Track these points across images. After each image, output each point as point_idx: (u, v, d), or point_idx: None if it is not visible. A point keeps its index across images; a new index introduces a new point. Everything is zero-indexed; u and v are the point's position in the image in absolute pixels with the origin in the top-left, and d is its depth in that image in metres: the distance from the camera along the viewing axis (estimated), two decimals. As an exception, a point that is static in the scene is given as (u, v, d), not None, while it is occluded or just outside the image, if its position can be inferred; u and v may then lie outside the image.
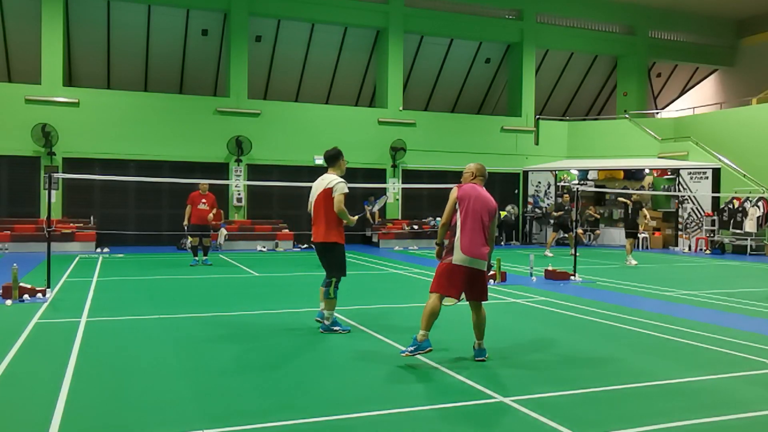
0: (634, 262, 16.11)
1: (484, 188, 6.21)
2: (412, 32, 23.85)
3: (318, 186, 7.33)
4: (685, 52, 28.33)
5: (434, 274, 6.05)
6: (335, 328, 7.27)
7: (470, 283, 5.97)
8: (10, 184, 19.21)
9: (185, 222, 14.27)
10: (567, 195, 18.80)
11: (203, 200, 14.22)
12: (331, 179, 7.24)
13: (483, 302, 6.08)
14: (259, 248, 19.50)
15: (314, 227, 7.31)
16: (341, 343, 6.91)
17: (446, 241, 6.11)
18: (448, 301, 6.11)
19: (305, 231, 14.60)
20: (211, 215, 14.28)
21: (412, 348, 5.80)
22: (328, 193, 7.16)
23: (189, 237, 14.65)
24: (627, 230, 16.65)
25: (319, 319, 7.40)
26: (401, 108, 23.37)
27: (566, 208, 18.12)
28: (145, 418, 4.38)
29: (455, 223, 5.98)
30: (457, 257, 5.86)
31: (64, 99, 19.44)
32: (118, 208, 20.14)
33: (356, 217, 7.62)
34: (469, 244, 5.85)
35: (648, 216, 17.55)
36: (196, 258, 14.60)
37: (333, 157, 7.40)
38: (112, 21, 21.48)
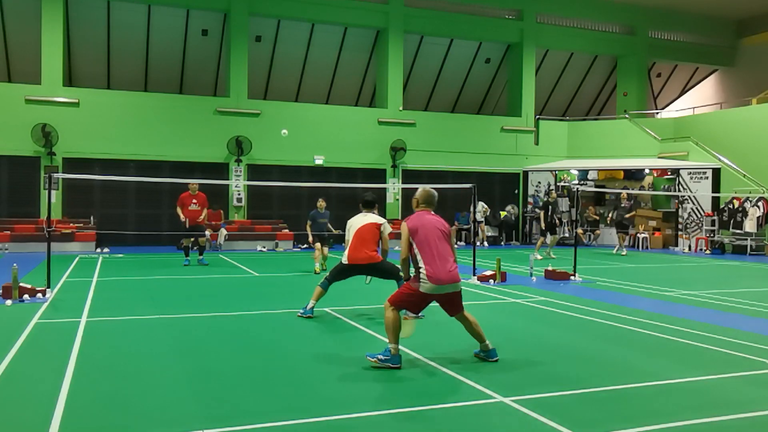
0: (539, 257, 16.83)
1: (432, 213, 6.18)
2: (412, 32, 23.85)
3: (365, 220, 8.44)
4: (685, 52, 28.33)
5: (399, 291, 5.98)
6: None
7: (446, 305, 5.98)
8: (10, 184, 19.21)
9: (183, 220, 14.14)
10: (624, 193, 19.67)
11: (194, 200, 14.13)
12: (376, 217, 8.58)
13: (463, 311, 6.04)
14: (259, 248, 19.50)
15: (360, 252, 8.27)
16: (342, 342, 6.92)
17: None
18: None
19: (305, 231, 14.54)
20: (202, 216, 14.24)
21: (382, 357, 5.73)
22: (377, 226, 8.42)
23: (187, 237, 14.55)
24: (551, 229, 17.49)
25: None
26: (401, 108, 23.37)
27: (623, 205, 19.28)
28: (144, 418, 4.38)
29: (414, 255, 5.89)
30: (426, 287, 5.76)
31: (64, 99, 19.44)
32: (118, 208, 20.14)
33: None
34: (437, 271, 5.75)
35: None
36: (188, 258, 14.46)
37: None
38: (112, 21, 21.48)
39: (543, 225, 17.43)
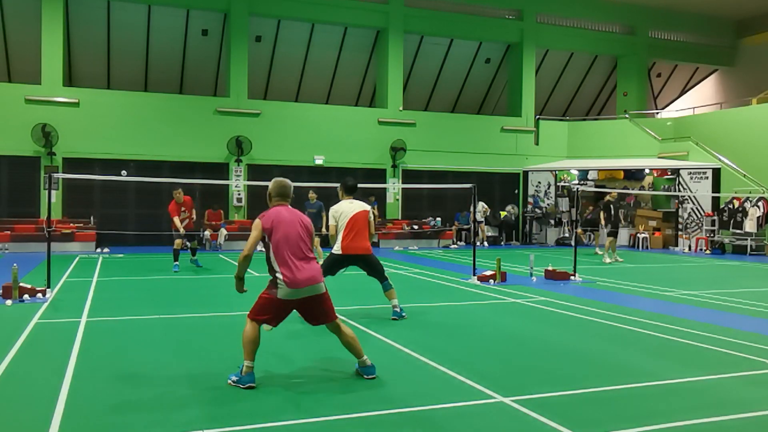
0: (609, 260, 16.57)
1: (289, 208, 5.52)
2: (412, 32, 23.85)
3: (357, 207, 8.09)
4: (685, 52, 28.33)
5: (264, 305, 5.31)
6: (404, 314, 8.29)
7: (308, 311, 5.38)
8: (10, 184, 19.21)
9: (182, 231, 13.43)
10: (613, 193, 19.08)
11: (183, 208, 13.57)
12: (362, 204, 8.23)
13: (336, 320, 5.44)
14: (259, 248, 19.43)
15: (357, 241, 8.01)
16: (340, 342, 6.91)
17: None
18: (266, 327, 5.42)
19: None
20: (193, 218, 13.97)
21: (234, 378, 5.13)
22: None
23: (177, 240, 13.67)
24: (612, 229, 17.07)
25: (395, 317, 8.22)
26: (401, 108, 23.37)
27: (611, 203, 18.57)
28: (145, 418, 4.38)
29: (269, 257, 5.31)
30: (283, 292, 5.18)
31: (64, 99, 19.44)
32: (118, 208, 20.14)
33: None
34: (294, 273, 5.19)
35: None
36: (177, 263, 13.57)
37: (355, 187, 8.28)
38: (112, 21, 21.48)
39: (604, 224, 17.07)
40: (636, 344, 6.90)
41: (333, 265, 8.12)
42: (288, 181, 5.64)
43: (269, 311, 5.30)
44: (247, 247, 5.29)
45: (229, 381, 5.16)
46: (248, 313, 5.38)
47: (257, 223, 5.36)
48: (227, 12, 21.57)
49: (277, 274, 5.24)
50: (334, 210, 8.12)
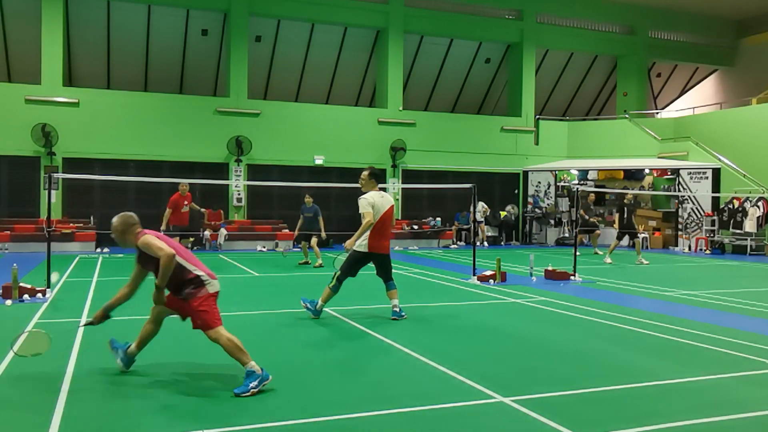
0: (609, 260, 16.41)
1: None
2: (412, 32, 23.86)
3: (387, 201, 7.76)
4: (685, 52, 28.33)
5: (208, 309, 5.24)
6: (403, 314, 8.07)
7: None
8: (10, 184, 19.21)
9: (163, 227, 13.40)
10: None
11: (185, 202, 13.68)
12: (389, 197, 7.93)
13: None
14: (259, 248, 19.49)
15: (384, 240, 7.74)
16: (340, 343, 6.92)
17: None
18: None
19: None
20: (203, 210, 14.43)
21: (254, 384, 4.89)
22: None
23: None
24: (630, 231, 16.95)
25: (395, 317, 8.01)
26: (401, 108, 23.37)
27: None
28: (144, 418, 4.38)
29: (182, 266, 5.31)
30: (213, 286, 5.33)
31: (64, 99, 19.45)
32: (118, 208, 20.01)
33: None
34: (207, 269, 5.40)
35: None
36: None
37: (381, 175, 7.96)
38: (112, 21, 21.49)
39: (617, 226, 17.09)
40: (636, 344, 6.90)
41: (355, 264, 7.78)
42: (128, 213, 5.73)
43: (215, 310, 5.30)
44: (165, 247, 5.32)
45: (250, 391, 4.84)
46: (207, 326, 5.17)
47: (153, 240, 5.48)
48: (227, 12, 21.57)
49: (198, 273, 5.30)
50: (368, 201, 7.58)
